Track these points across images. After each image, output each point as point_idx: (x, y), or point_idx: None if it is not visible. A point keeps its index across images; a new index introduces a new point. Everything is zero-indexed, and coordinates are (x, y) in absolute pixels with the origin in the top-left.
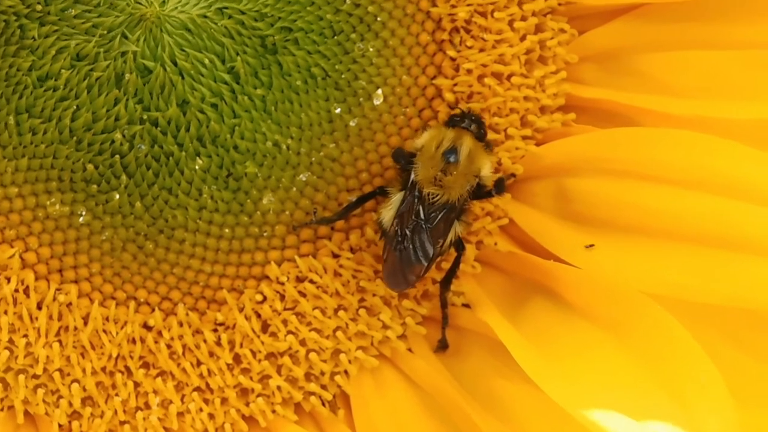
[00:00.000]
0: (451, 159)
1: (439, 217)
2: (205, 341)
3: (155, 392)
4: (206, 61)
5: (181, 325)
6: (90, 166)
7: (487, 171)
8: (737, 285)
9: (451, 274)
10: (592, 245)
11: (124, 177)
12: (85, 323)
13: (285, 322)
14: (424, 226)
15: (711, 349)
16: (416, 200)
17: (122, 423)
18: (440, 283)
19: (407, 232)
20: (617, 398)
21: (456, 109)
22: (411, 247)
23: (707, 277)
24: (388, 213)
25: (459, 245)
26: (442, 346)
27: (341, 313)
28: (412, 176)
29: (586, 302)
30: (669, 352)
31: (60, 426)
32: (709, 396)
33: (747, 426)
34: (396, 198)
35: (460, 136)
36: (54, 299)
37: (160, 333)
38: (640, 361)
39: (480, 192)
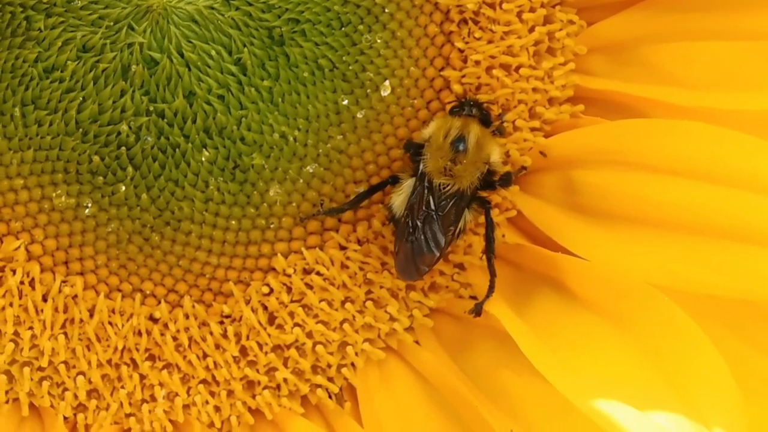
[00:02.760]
0: (460, 147)
1: (450, 205)
2: (211, 333)
3: (161, 385)
4: (213, 52)
5: (187, 317)
6: (96, 158)
7: (496, 157)
8: (744, 277)
9: (490, 238)
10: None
11: (130, 169)
12: (91, 315)
13: (291, 314)
14: (434, 215)
15: (717, 341)
16: (426, 191)
17: (128, 416)
18: (485, 252)
19: (418, 223)
20: (623, 390)
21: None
22: (422, 237)
23: (714, 268)
24: (398, 198)
25: (483, 203)
26: (476, 311)
27: (348, 305)
28: (421, 167)
29: (593, 294)
30: (675, 343)
31: (65, 419)
32: (715, 388)
33: (753, 419)
34: (407, 184)
35: (467, 124)
36: (59, 291)
37: (166, 325)
38: (646, 353)
39: (491, 179)
